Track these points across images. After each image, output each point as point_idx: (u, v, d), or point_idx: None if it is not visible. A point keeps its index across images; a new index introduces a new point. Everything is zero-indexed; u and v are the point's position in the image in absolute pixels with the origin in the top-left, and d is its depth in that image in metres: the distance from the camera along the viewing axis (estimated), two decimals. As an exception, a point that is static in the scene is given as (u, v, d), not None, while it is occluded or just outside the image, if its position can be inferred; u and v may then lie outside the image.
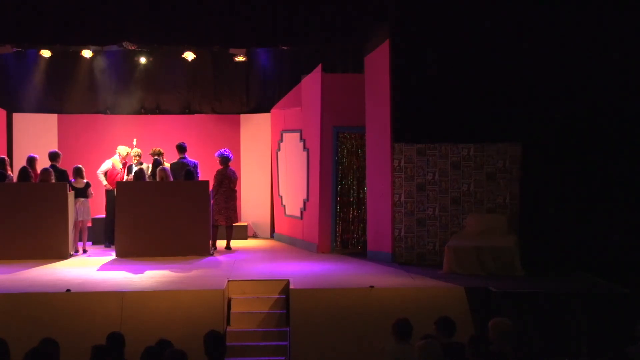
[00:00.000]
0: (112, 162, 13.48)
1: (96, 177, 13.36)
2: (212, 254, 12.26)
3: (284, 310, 9.57)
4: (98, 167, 13.53)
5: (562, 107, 11.02)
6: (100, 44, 13.25)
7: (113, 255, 12.06)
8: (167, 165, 13.44)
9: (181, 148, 13.31)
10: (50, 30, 11.93)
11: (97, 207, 13.70)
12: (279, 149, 14.53)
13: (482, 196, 11.34)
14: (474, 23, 11.17)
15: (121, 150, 13.57)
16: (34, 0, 11.74)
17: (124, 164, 13.54)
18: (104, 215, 13.53)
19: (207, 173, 13.52)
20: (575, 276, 10.24)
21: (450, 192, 11.40)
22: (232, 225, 13.23)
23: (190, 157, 13.36)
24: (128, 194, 12.17)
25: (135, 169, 13.16)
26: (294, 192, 13.83)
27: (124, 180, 13.18)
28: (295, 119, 13.88)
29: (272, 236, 14.98)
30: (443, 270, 10.45)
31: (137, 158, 13.50)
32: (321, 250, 12.74)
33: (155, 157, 13.31)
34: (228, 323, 9.35)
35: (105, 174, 13.41)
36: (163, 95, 15.36)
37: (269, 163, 15.09)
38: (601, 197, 10.94)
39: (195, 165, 13.20)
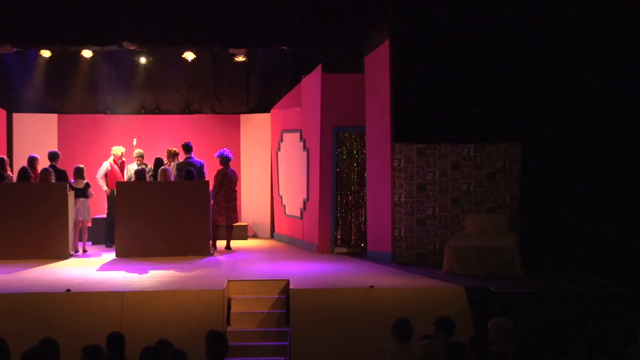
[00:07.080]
0: (110, 164, 13.45)
1: (96, 180, 13.32)
2: (212, 254, 12.26)
3: (284, 310, 9.56)
4: (98, 167, 13.49)
5: (562, 107, 11.01)
6: (100, 44, 13.26)
7: (113, 255, 12.07)
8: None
9: (187, 148, 13.31)
10: (50, 30, 11.95)
11: (97, 207, 13.69)
12: (279, 149, 14.53)
13: (482, 196, 11.34)
14: (474, 23, 11.17)
15: (116, 151, 13.56)
16: (34, 0, 11.73)
17: (121, 164, 13.53)
18: (104, 215, 13.54)
19: (206, 173, 13.51)
20: (575, 276, 10.25)
21: (450, 192, 11.40)
22: (232, 225, 13.23)
23: (193, 157, 13.34)
24: (128, 194, 12.17)
25: (135, 168, 13.16)
26: (294, 192, 13.83)
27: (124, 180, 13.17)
28: (295, 119, 13.87)
29: (272, 236, 14.98)
30: (443, 270, 10.46)
31: (140, 159, 13.51)
32: (321, 250, 12.73)
33: (158, 157, 13.30)
34: (228, 323, 9.35)
35: (106, 176, 13.39)
36: (163, 95, 15.35)
37: (269, 163, 15.08)
38: (601, 197, 10.92)
39: (202, 165, 13.20)
